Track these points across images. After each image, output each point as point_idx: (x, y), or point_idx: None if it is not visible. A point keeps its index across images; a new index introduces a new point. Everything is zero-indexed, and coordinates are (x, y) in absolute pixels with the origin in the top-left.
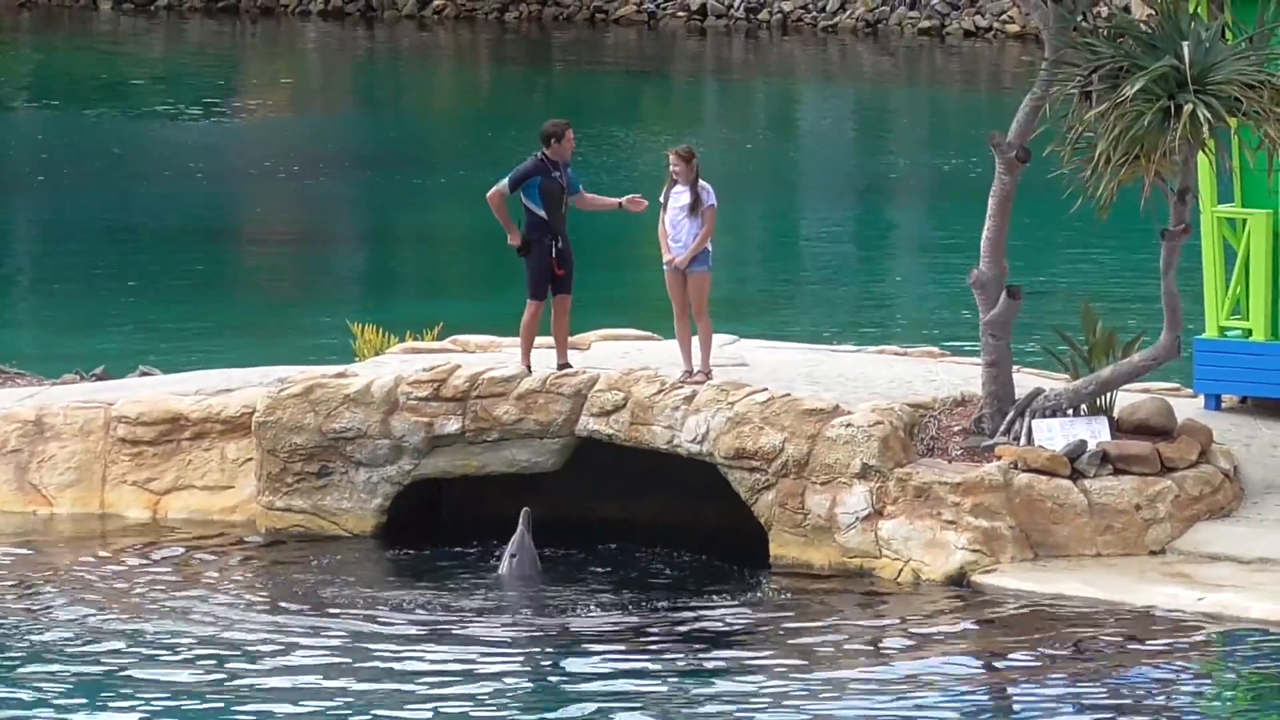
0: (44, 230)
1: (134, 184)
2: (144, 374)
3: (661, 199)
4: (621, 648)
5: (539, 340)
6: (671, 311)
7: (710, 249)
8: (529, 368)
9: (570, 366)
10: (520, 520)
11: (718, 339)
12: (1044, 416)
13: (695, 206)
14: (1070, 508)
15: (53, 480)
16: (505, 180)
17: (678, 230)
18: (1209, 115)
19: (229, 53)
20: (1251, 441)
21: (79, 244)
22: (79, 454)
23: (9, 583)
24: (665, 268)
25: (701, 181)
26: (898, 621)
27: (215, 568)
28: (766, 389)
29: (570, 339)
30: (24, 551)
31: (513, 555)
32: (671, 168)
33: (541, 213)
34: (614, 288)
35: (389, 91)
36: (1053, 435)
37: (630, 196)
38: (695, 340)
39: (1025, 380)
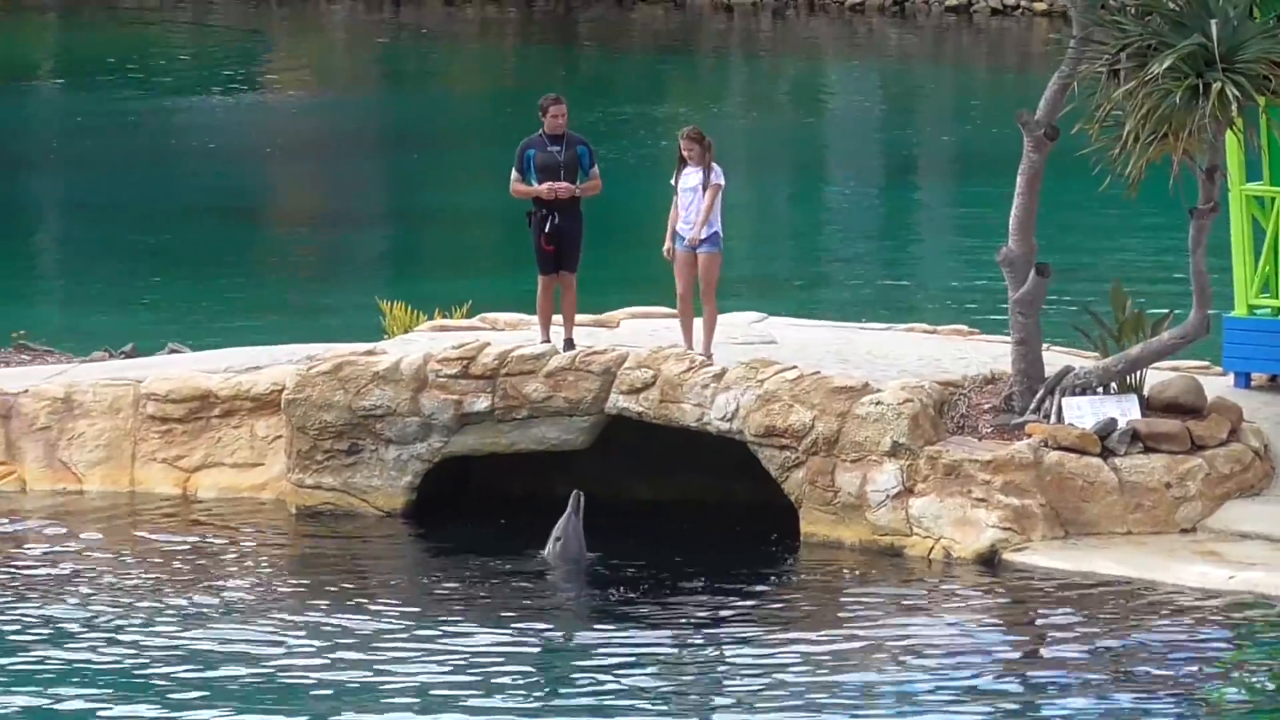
0: (72, 208)
1: (161, 162)
2: (173, 351)
3: (673, 182)
4: (651, 625)
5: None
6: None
7: (720, 232)
8: (546, 341)
9: (573, 344)
10: (570, 503)
11: (746, 316)
12: (1074, 394)
13: (704, 188)
14: (1100, 486)
15: (82, 458)
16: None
17: (689, 211)
18: (1237, 93)
19: (256, 31)
20: None
21: (107, 222)
22: (108, 431)
23: (38, 560)
24: (665, 256)
25: (714, 164)
26: (928, 599)
27: (244, 546)
28: (796, 367)
29: (599, 317)
30: (53, 529)
31: (557, 539)
32: (684, 150)
33: (535, 185)
34: (642, 265)
35: (416, 70)
36: (1083, 413)
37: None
38: (698, 323)
39: (1055, 358)
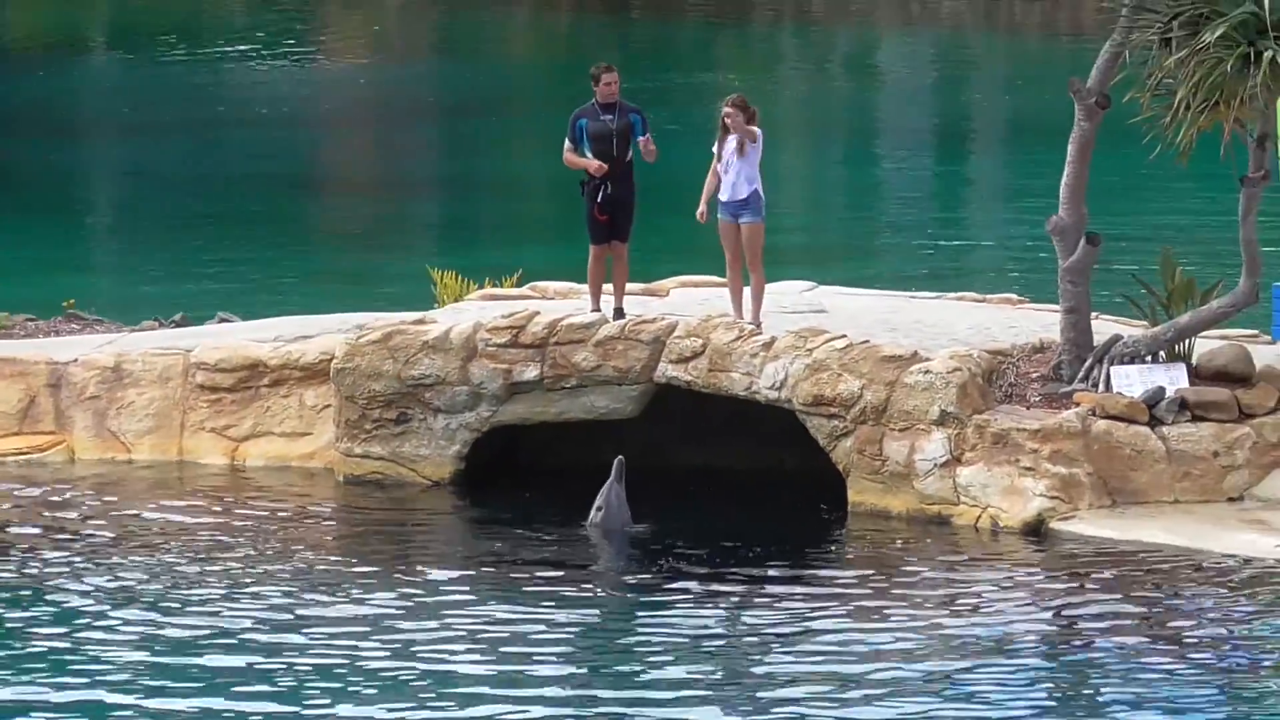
0: (122, 176)
1: (212, 130)
2: (222, 321)
3: (715, 148)
4: (698, 596)
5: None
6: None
7: (763, 197)
8: (596, 310)
9: (623, 313)
10: (612, 470)
11: (796, 285)
12: (1122, 363)
13: (743, 147)
14: (1148, 454)
15: (131, 427)
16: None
17: (735, 174)
18: None
19: None
20: None
21: (157, 190)
22: (157, 401)
23: (87, 530)
24: (699, 219)
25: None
26: (975, 568)
27: (292, 515)
28: (845, 335)
29: (649, 286)
30: (102, 499)
31: (599, 508)
32: (726, 119)
33: (588, 155)
34: (692, 234)
35: (469, 39)
36: (1131, 382)
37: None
38: (747, 291)
39: (1104, 327)
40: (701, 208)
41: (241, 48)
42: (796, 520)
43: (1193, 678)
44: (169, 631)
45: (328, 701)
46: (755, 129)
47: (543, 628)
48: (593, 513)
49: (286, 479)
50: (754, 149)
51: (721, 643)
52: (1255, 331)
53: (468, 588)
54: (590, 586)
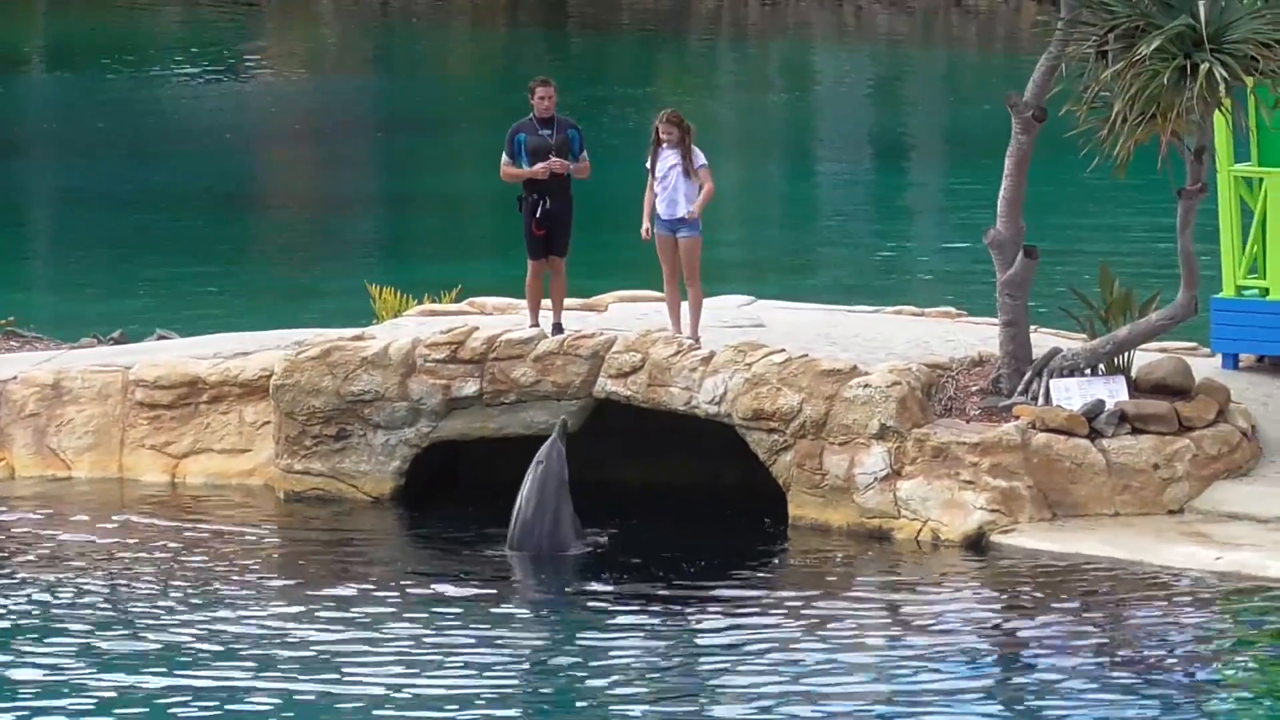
0: (61, 194)
1: (150, 147)
2: (161, 338)
3: (648, 165)
4: (639, 611)
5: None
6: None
7: (699, 214)
8: (535, 326)
9: (562, 329)
10: (555, 429)
11: (734, 299)
12: (1061, 376)
13: (688, 171)
14: (1088, 467)
15: (71, 444)
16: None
17: (674, 190)
18: (1225, 74)
19: (245, 15)
20: (1269, 400)
21: (96, 208)
22: (97, 418)
23: (27, 547)
24: (644, 237)
25: (694, 148)
26: (916, 582)
27: (232, 532)
28: (784, 350)
29: (587, 301)
30: (42, 515)
31: (539, 463)
32: (661, 134)
33: (526, 169)
34: (630, 249)
35: (405, 53)
36: (1070, 395)
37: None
38: (685, 306)
39: (1042, 340)
40: (645, 224)
41: (179, 64)
42: (737, 535)
43: (1132, 692)
44: (106, 650)
45: None
46: (702, 162)
47: (482, 646)
48: (532, 468)
49: (226, 496)
50: (702, 168)
51: (661, 660)
52: (1194, 344)
53: (408, 605)
54: (530, 604)
